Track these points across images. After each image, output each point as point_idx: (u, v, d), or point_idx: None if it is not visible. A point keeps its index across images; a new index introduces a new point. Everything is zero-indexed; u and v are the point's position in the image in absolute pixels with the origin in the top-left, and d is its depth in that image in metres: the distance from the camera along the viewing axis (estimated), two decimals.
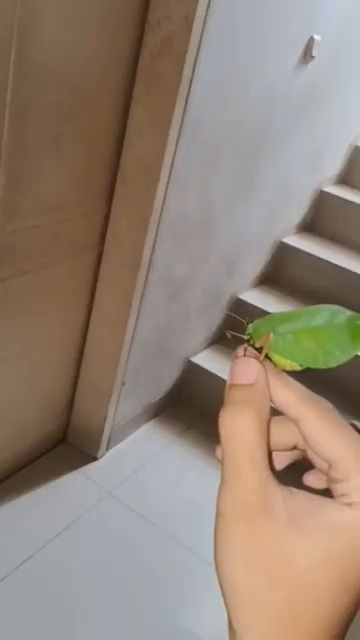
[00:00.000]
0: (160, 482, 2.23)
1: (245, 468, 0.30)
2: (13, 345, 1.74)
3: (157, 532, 1.99)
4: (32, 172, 1.47)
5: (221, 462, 0.32)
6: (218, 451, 0.32)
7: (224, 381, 0.34)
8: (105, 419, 2.12)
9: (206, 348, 2.62)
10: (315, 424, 0.32)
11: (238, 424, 0.31)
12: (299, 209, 2.88)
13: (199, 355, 2.57)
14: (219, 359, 2.58)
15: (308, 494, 0.31)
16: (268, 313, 0.36)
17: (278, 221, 2.71)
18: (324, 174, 2.95)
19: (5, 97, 1.29)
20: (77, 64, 1.44)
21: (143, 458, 2.28)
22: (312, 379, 0.36)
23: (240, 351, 0.35)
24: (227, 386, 0.33)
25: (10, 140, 1.35)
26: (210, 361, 2.55)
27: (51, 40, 1.34)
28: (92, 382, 2.09)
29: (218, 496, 0.31)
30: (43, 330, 1.84)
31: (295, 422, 0.33)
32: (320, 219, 3.02)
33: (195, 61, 1.58)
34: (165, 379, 2.45)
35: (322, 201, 2.99)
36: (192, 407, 2.56)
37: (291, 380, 0.34)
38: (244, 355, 0.34)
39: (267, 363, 0.34)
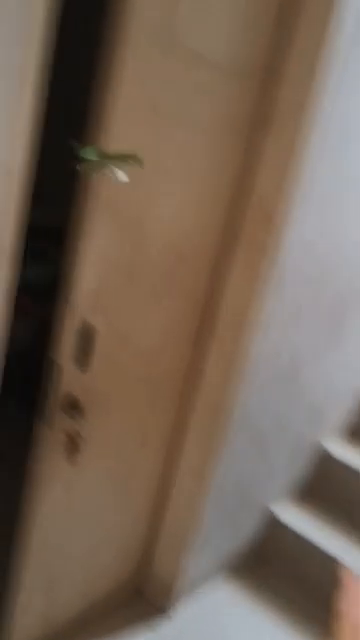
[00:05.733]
0: None
1: None
2: (97, 488, 1.77)
3: None
4: (133, 324, 1.60)
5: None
6: (334, 625, 0.32)
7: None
8: (179, 571, 2.04)
9: (289, 501, 2.52)
10: None
11: None
12: None
13: (280, 507, 2.47)
14: (303, 514, 2.46)
15: None
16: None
17: None
18: None
19: (117, 261, 1.46)
20: (181, 233, 1.62)
21: (216, 617, 2.14)
22: None
23: None
24: None
25: (117, 297, 1.51)
26: (292, 515, 2.44)
27: (161, 215, 1.53)
28: (169, 530, 2.05)
29: None
30: (126, 472, 1.86)
31: None
32: None
33: (290, 227, 1.71)
34: (244, 532, 2.35)
35: None
36: (273, 565, 2.42)
37: None
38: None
39: None
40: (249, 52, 1.55)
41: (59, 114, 1.33)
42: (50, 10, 1.05)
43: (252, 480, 2.23)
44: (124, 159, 1.19)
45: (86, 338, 1.47)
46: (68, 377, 1.49)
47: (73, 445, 1.51)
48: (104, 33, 1.26)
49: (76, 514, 1.74)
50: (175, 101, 1.42)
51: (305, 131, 1.61)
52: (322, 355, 2.26)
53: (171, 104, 1.41)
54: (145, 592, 2.15)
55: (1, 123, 1.05)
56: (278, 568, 2.40)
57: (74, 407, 1.51)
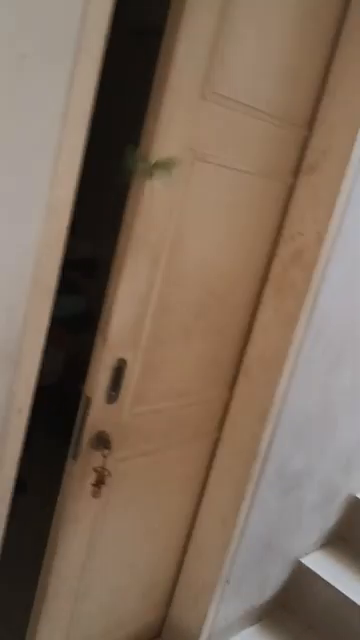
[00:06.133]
0: None
1: None
2: (124, 526, 1.76)
3: None
4: (164, 361, 1.60)
5: None
6: None
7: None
8: (205, 619, 1.99)
9: (318, 550, 2.46)
10: None
11: None
12: None
13: (310, 557, 2.41)
14: (333, 564, 2.39)
15: None
16: None
17: None
18: None
19: (151, 298, 1.48)
20: (215, 272, 1.63)
21: None
22: None
23: None
24: None
25: (150, 333, 1.52)
26: (323, 566, 2.37)
27: (195, 253, 1.55)
28: (195, 575, 2.00)
29: None
30: (153, 513, 1.84)
31: None
32: None
33: (324, 271, 1.72)
34: (272, 580, 2.29)
35: None
36: (300, 615, 2.34)
37: None
38: None
39: None
40: (292, 101, 1.59)
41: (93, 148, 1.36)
42: (96, 59, 1.09)
43: (282, 527, 2.18)
44: (167, 165, 1.27)
45: (119, 373, 1.49)
46: (99, 412, 1.49)
47: (101, 480, 1.51)
48: (149, 79, 1.31)
49: (100, 550, 1.72)
50: (215, 144, 1.45)
51: (342, 175, 1.63)
52: (357, 403, 2.23)
53: (212, 147, 1.45)
54: (167, 638, 2.09)
55: (46, 163, 1.10)
56: (306, 618, 2.33)
57: (104, 442, 1.51)
